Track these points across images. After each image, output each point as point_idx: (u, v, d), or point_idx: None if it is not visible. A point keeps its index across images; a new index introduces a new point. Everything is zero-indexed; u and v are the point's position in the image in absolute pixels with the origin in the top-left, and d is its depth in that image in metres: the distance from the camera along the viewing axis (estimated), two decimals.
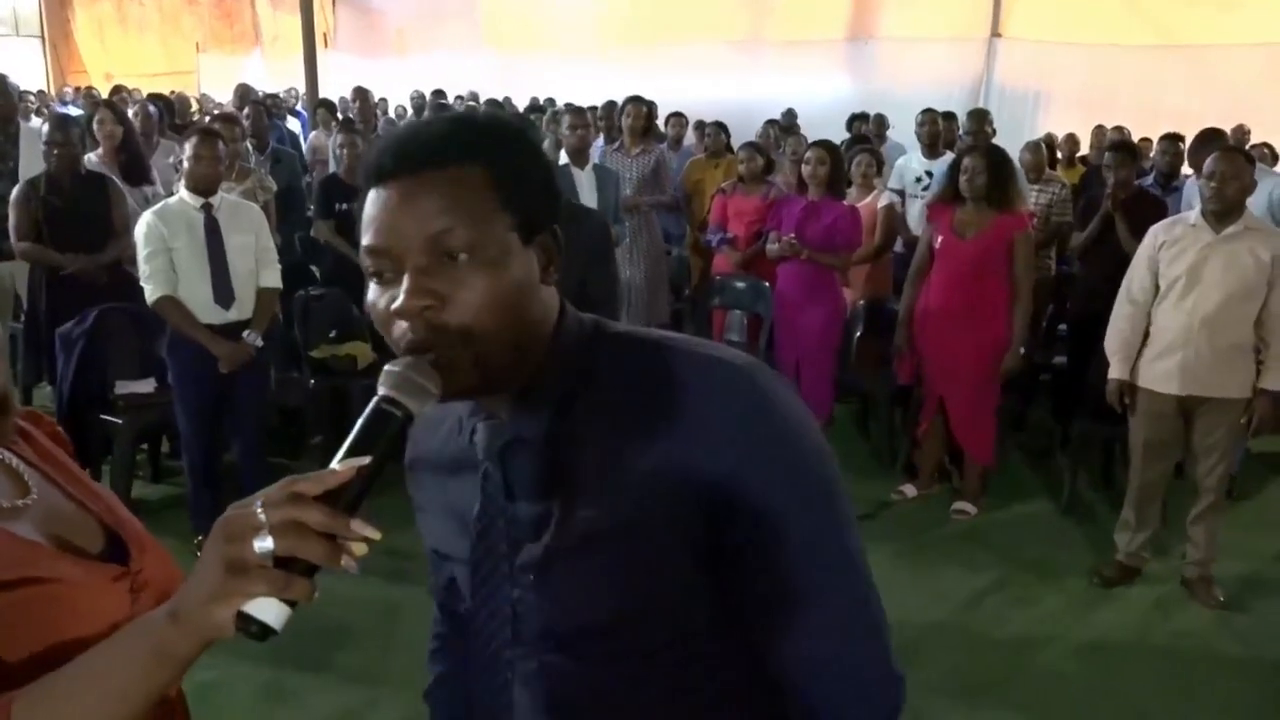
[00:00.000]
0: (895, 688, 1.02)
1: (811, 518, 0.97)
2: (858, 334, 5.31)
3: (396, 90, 13.61)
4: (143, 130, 6.07)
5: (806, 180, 4.97)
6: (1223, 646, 3.58)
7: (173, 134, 6.58)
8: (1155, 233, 3.81)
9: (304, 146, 9.21)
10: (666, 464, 0.94)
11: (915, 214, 5.83)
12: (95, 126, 5.46)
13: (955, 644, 3.55)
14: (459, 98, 12.29)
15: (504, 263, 0.93)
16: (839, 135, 7.35)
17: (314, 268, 5.87)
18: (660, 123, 8.39)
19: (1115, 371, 3.84)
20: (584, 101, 7.95)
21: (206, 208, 3.84)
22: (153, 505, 4.42)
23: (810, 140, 5.62)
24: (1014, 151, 5.10)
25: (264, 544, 0.79)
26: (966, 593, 3.91)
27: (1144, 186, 5.58)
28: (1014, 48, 13.06)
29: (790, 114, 9.78)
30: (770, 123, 8.48)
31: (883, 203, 5.70)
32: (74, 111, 9.07)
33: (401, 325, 0.92)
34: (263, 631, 0.81)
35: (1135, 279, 3.82)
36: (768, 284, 5.29)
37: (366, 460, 0.84)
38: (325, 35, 17.48)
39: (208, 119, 7.24)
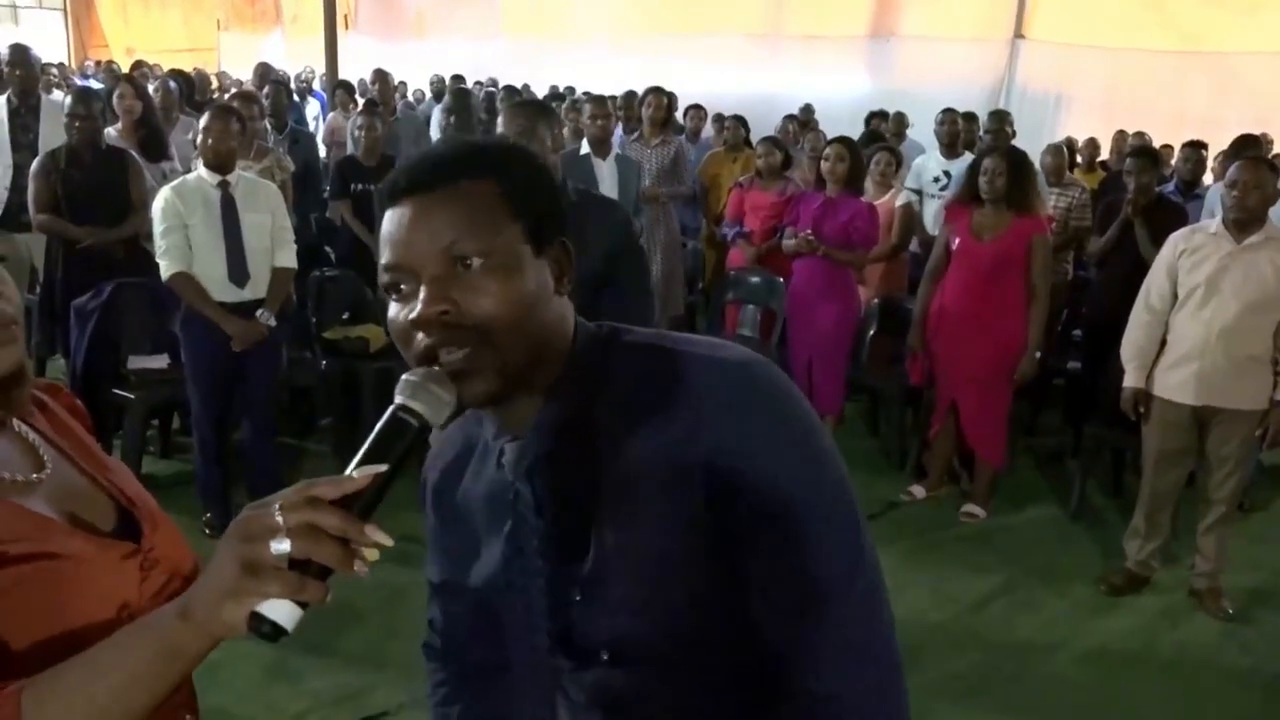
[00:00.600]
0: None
1: (820, 511, 0.98)
2: (871, 332, 5.29)
3: (415, 74, 13.60)
4: (162, 106, 6.07)
5: (825, 176, 4.95)
6: (1229, 658, 3.56)
7: (192, 110, 6.58)
8: (1175, 240, 3.77)
9: (320, 127, 9.20)
10: (681, 459, 0.96)
11: (932, 214, 5.79)
12: (115, 101, 5.48)
13: (959, 646, 3.54)
14: (478, 83, 12.27)
15: (517, 269, 0.95)
16: (857, 132, 7.30)
17: (329, 249, 5.87)
18: (679, 115, 8.37)
19: (1131, 379, 3.81)
20: (601, 91, 7.93)
21: (223, 185, 3.83)
22: (162, 481, 4.43)
23: (828, 137, 5.59)
24: (1034, 154, 5.05)
25: (280, 546, 0.81)
26: (972, 595, 3.90)
27: (1164, 193, 5.53)
28: (1036, 49, 12.98)
29: (808, 109, 9.71)
30: (789, 118, 8.45)
31: (900, 201, 5.68)
32: (95, 85, 9.08)
33: (420, 338, 0.94)
34: (275, 631, 0.82)
35: (1154, 286, 3.79)
36: (782, 280, 5.27)
37: (383, 468, 0.86)
38: (346, 17, 17.49)
39: (226, 97, 7.24)
